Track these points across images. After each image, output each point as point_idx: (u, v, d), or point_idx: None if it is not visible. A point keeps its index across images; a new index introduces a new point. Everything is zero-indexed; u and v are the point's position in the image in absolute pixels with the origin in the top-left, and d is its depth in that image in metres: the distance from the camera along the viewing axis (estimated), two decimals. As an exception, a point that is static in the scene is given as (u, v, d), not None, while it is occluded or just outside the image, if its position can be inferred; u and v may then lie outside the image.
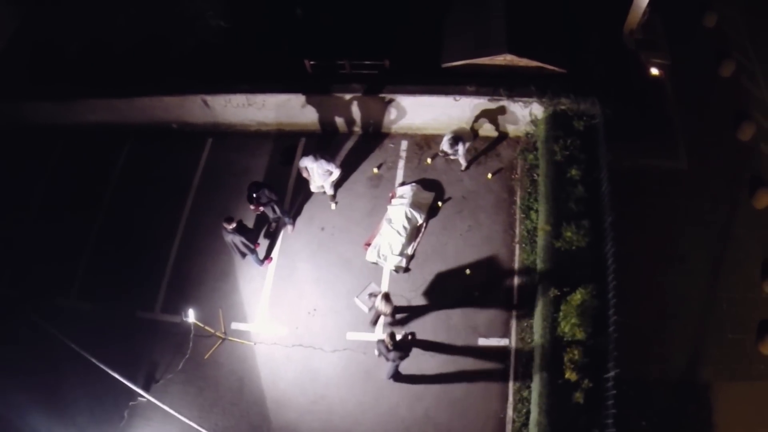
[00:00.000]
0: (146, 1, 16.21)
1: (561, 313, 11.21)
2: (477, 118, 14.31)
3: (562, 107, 13.28)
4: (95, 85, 15.13)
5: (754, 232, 13.22)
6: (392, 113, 14.64)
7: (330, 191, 13.92)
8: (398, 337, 11.29)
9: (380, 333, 12.49)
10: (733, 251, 13.02)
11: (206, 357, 12.85)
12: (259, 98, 14.65)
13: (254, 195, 12.95)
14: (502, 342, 12.35)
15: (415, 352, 12.03)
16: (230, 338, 12.98)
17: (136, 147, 15.71)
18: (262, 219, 14.06)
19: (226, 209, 13.83)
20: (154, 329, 13.27)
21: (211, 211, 14.32)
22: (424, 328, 12.56)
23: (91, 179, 15.31)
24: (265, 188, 13.10)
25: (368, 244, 13.54)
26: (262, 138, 15.47)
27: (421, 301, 12.91)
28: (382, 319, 12.43)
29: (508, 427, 11.62)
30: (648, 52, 14.94)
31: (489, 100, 13.80)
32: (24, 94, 15.43)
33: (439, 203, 14.00)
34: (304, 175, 13.49)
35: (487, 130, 14.63)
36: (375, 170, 14.62)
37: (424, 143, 14.89)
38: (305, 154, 13.77)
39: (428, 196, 14.00)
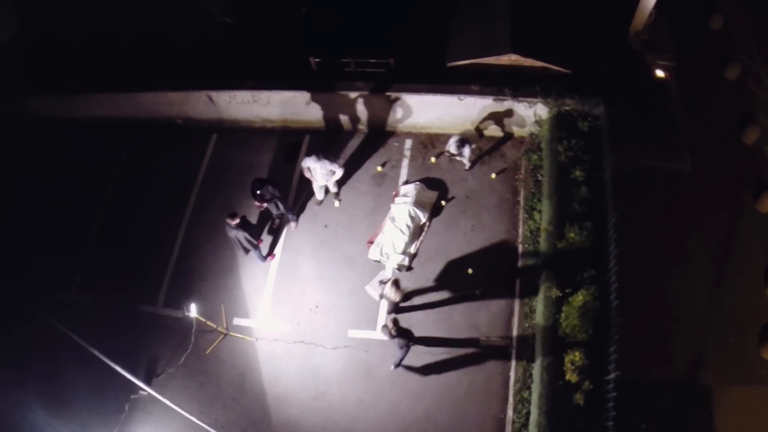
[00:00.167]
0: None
1: (563, 314, 11.21)
2: (481, 118, 14.29)
3: (567, 108, 13.27)
4: (99, 81, 15.16)
5: (758, 235, 13.15)
6: (397, 112, 14.64)
7: (333, 189, 13.94)
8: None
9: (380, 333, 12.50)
10: (737, 254, 12.96)
11: (208, 352, 12.88)
12: (264, 95, 14.68)
13: (258, 191, 12.98)
14: (503, 342, 12.34)
15: (416, 350, 12.05)
16: (232, 334, 13.02)
17: (141, 142, 15.76)
18: (265, 215, 14.09)
19: (229, 205, 13.85)
20: (156, 323, 13.31)
21: (214, 207, 14.36)
22: (426, 326, 12.56)
23: (95, 173, 15.36)
24: (268, 185, 13.14)
25: (371, 242, 13.55)
26: (267, 135, 15.49)
27: (422, 299, 12.92)
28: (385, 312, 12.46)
29: (508, 427, 11.62)
30: (654, 54, 14.88)
31: (494, 100, 13.79)
32: (28, 88, 15.46)
33: (443, 202, 14.00)
34: (307, 175, 13.49)
35: (491, 130, 14.62)
36: (379, 168, 14.62)
37: (428, 142, 14.89)
38: (308, 154, 13.80)
39: (432, 195, 14.00)
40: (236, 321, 13.20)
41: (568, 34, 14.36)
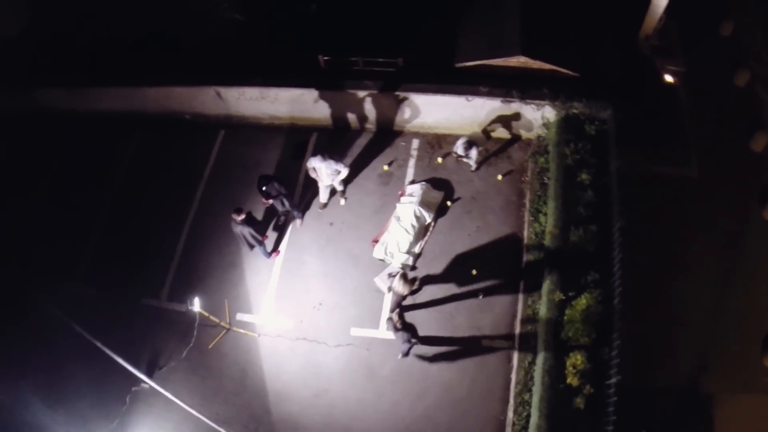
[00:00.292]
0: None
1: (565, 318, 11.20)
2: (489, 120, 14.29)
3: (575, 111, 13.24)
4: (108, 75, 15.23)
5: (763, 242, 13.12)
6: (404, 111, 14.65)
7: (339, 188, 13.97)
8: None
9: (383, 331, 12.55)
10: (742, 261, 12.93)
11: (210, 347, 12.93)
12: (273, 92, 14.72)
13: (264, 188, 13.02)
14: (505, 343, 12.34)
15: (418, 349, 12.06)
16: (235, 329, 13.05)
17: (149, 136, 15.83)
18: (271, 212, 14.12)
19: (235, 201, 13.90)
20: (159, 317, 13.36)
21: (220, 202, 14.40)
22: (429, 326, 12.55)
23: (102, 166, 15.44)
24: (275, 181, 13.17)
25: (376, 241, 13.57)
26: (275, 131, 15.53)
27: (426, 299, 12.92)
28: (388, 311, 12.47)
29: (508, 429, 11.59)
30: (663, 59, 14.87)
31: (502, 101, 13.78)
32: (38, 80, 15.55)
33: (448, 203, 14.00)
34: (312, 175, 13.49)
35: (499, 131, 14.61)
36: (385, 168, 14.63)
37: (435, 142, 14.89)
38: (314, 153, 13.82)
39: (437, 195, 14.00)
40: (239, 316, 13.23)
41: (578, 38, 14.34)
